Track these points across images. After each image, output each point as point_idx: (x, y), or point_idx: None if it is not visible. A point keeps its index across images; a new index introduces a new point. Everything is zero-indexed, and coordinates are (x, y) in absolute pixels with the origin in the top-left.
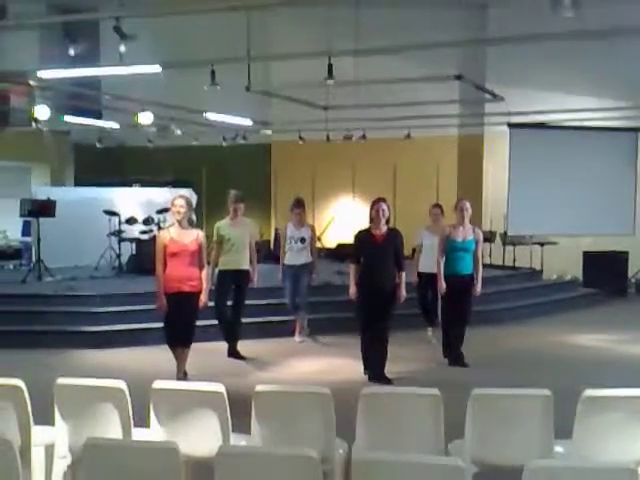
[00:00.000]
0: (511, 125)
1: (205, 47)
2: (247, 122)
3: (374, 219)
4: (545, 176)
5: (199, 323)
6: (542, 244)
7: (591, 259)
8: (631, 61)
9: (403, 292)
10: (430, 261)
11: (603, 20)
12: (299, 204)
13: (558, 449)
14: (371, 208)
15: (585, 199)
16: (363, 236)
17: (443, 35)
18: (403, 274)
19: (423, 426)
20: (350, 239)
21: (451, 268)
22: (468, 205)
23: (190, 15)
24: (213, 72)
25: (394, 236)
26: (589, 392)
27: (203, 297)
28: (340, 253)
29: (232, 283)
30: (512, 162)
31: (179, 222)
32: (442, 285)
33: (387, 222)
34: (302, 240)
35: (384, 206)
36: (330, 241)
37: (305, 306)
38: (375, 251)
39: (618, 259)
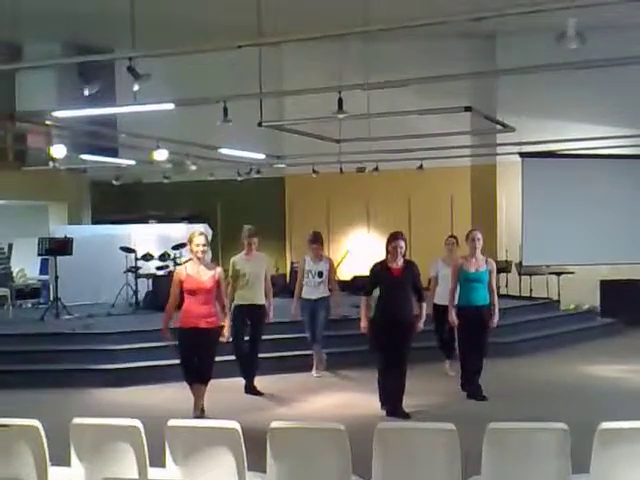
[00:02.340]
0: (523, 155)
1: (218, 84)
2: (260, 156)
3: (391, 255)
4: (559, 205)
5: (216, 359)
6: (559, 274)
7: (609, 288)
8: None
9: (421, 324)
10: (446, 292)
11: (611, 48)
12: (316, 238)
13: None
14: (388, 243)
15: (601, 227)
16: (379, 269)
17: (453, 67)
18: (424, 305)
19: (439, 461)
20: (366, 272)
21: (465, 299)
22: (479, 235)
23: (202, 53)
24: (225, 109)
25: (411, 268)
26: (606, 424)
27: (226, 332)
28: (355, 286)
29: (248, 318)
30: (525, 192)
31: (199, 259)
32: (453, 316)
33: (403, 256)
34: (320, 274)
35: (402, 243)
36: (345, 274)
37: (321, 340)
38: (392, 284)
39: (636, 287)
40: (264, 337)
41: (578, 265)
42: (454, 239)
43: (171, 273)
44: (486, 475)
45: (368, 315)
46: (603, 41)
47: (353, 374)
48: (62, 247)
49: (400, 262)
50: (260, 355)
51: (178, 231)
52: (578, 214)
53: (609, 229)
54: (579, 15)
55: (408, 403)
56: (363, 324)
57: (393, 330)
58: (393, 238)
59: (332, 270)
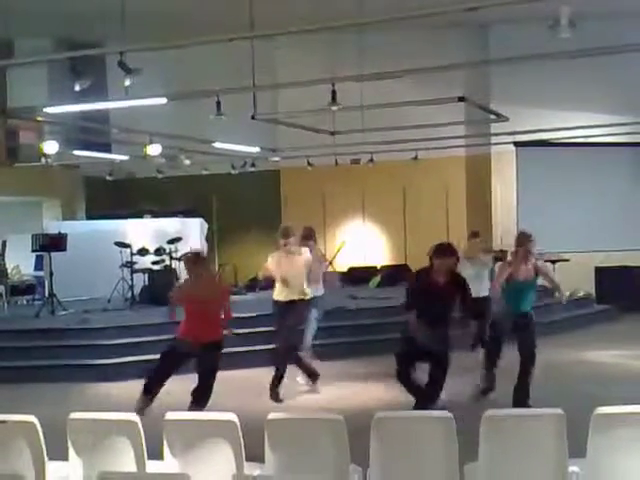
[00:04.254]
0: (517, 144)
1: (211, 77)
2: (255, 150)
3: (436, 268)
4: (554, 193)
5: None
6: (554, 261)
7: (604, 275)
8: (636, 76)
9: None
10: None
11: (604, 36)
12: (309, 234)
13: (573, 468)
14: (436, 257)
15: (595, 215)
16: (422, 278)
17: (446, 57)
18: (473, 323)
19: (437, 449)
20: (362, 262)
21: (509, 304)
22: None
23: (194, 47)
24: (219, 102)
25: (457, 282)
26: (601, 409)
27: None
28: (352, 277)
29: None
30: (520, 180)
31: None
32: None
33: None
34: None
35: (450, 262)
36: (341, 265)
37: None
38: (429, 299)
39: (631, 274)
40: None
41: (573, 252)
42: (477, 237)
43: (167, 267)
44: (483, 461)
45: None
46: (596, 29)
47: (348, 365)
48: (56, 243)
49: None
50: (259, 347)
51: (173, 226)
52: (572, 202)
53: (604, 216)
54: (572, 3)
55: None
56: (412, 318)
57: (421, 350)
58: (441, 254)
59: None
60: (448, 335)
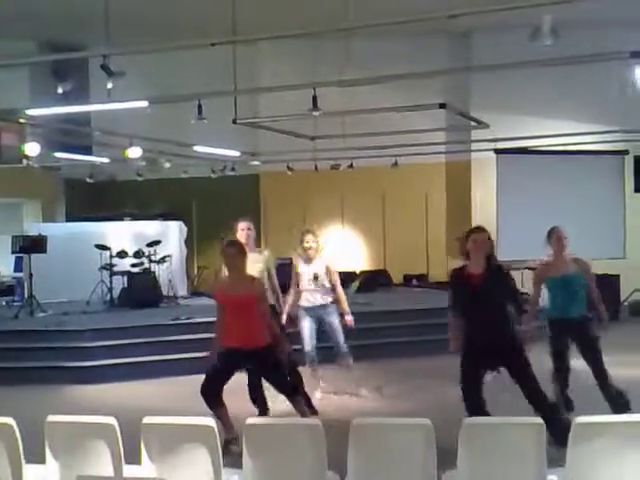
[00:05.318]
0: (498, 151)
1: (192, 81)
2: (235, 154)
3: (471, 252)
4: (534, 201)
5: None
6: (534, 269)
7: None
8: (615, 85)
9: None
10: None
11: (585, 44)
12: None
13: (552, 477)
14: (466, 238)
15: (574, 223)
16: (457, 277)
17: (427, 64)
18: (524, 317)
19: (415, 456)
20: (341, 267)
21: (555, 311)
22: (565, 233)
23: (176, 51)
24: (200, 106)
25: (497, 273)
26: (580, 419)
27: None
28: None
29: None
30: (500, 188)
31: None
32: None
33: (489, 258)
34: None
35: (485, 236)
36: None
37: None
38: (473, 297)
39: (610, 282)
40: None
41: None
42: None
43: (146, 270)
44: (461, 470)
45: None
46: (576, 38)
47: (330, 370)
48: (36, 245)
49: (482, 265)
50: None
51: (153, 228)
52: (553, 210)
53: (584, 224)
54: (553, 11)
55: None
56: (452, 344)
57: (487, 359)
58: (472, 231)
59: None
60: (506, 326)
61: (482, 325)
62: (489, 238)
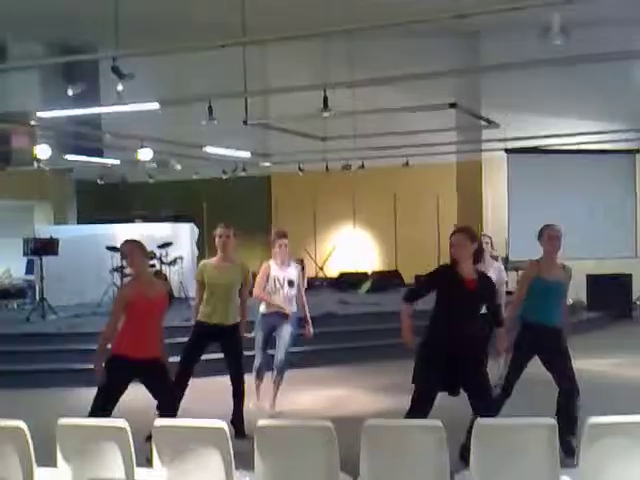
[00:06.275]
0: (508, 150)
1: (202, 82)
2: (246, 155)
3: (453, 256)
4: (545, 200)
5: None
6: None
7: (595, 282)
8: (627, 84)
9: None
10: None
11: (595, 43)
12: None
13: (564, 478)
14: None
15: (586, 222)
16: (448, 275)
17: (437, 64)
18: (502, 330)
19: (427, 458)
20: (352, 267)
21: (536, 315)
22: (560, 232)
23: (186, 52)
24: (210, 107)
25: (486, 283)
26: (593, 419)
27: None
28: (342, 282)
29: None
30: (511, 187)
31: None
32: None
33: (476, 256)
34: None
35: (460, 237)
36: (332, 270)
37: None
38: (463, 299)
39: (622, 282)
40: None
41: (564, 259)
42: (488, 238)
43: (157, 272)
44: (474, 471)
45: (413, 328)
46: (586, 37)
47: (337, 372)
48: (48, 247)
49: (472, 272)
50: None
51: (163, 230)
52: (563, 209)
53: (595, 224)
54: (562, 10)
55: (393, 402)
56: (407, 337)
57: (451, 361)
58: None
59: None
60: (479, 336)
61: (459, 331)
62: (472, 237)
